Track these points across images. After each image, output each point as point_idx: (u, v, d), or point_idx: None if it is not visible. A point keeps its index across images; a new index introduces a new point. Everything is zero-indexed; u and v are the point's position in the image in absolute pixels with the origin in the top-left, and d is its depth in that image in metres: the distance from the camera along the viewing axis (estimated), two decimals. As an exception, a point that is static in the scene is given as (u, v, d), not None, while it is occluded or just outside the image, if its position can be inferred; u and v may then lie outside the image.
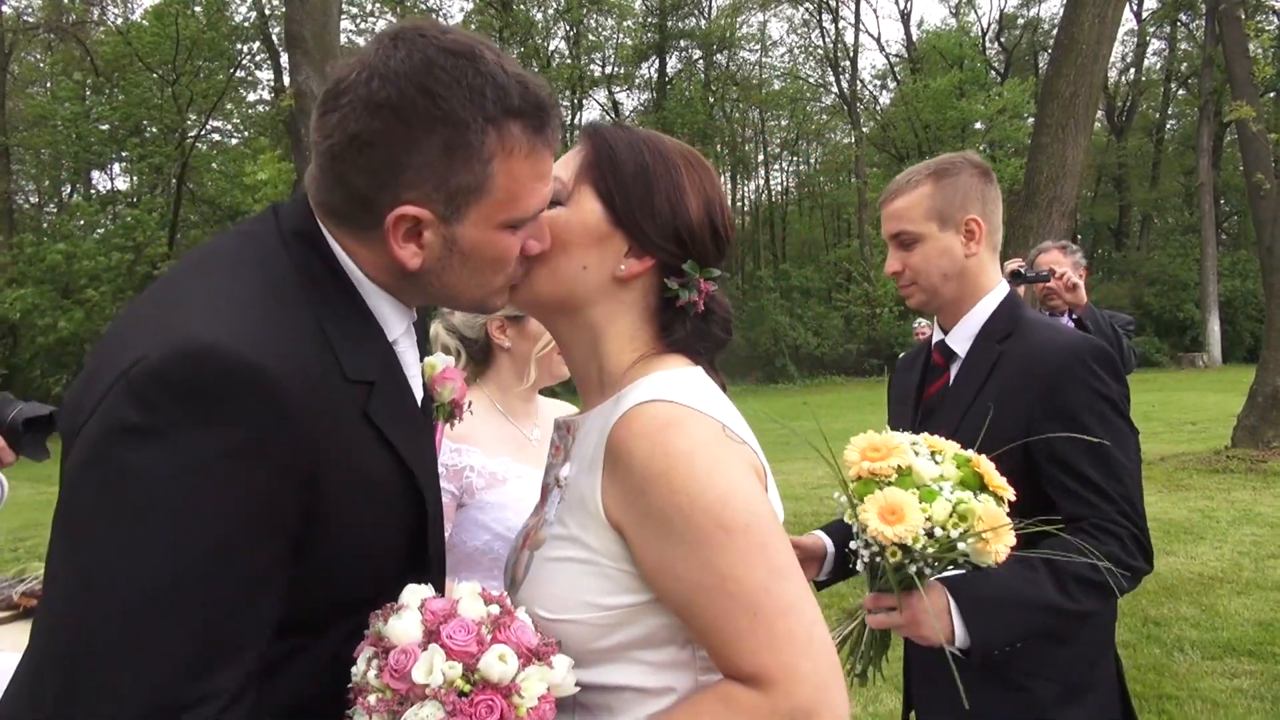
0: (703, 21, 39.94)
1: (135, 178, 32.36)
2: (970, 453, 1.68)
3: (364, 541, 1.12)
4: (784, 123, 43.47)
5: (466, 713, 1.02)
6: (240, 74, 32.78)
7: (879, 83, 44.91)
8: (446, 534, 1.86)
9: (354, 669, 1.09)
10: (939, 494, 1.57)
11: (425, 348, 1.45)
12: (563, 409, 2.29)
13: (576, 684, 1.13)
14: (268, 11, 29.99)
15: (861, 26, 43.24)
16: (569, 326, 1.29)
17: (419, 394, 1.30)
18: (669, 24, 39.74)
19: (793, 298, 35.84)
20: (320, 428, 1.03)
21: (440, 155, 1.08)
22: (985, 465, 1.64)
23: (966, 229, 2.02)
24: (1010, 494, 1.61)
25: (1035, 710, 1.89)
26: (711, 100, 39.62)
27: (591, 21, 38.51)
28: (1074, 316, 4.40)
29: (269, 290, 1.08)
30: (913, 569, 1.60)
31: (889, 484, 1.59)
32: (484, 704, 1.02)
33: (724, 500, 1.09)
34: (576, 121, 40.54)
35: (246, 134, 33.87)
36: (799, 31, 42.99)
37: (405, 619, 1.08)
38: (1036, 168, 7.10)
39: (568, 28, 37.77)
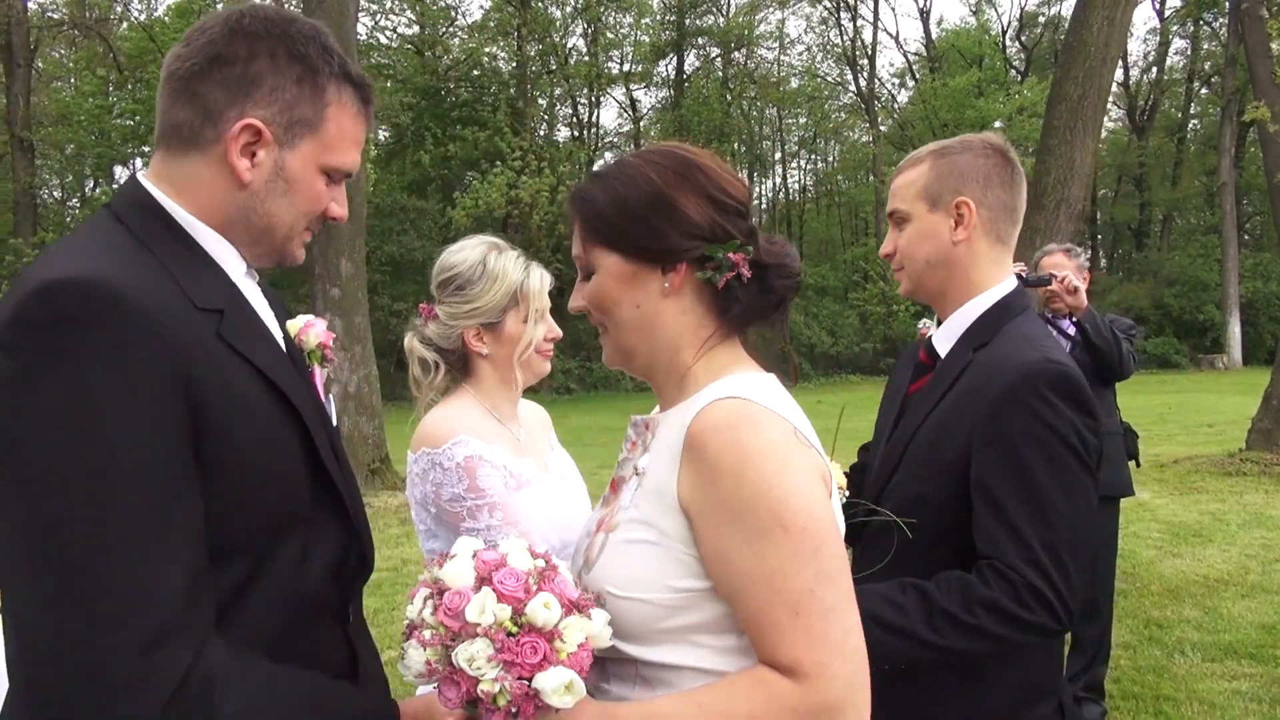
0: (721, 19, 39.88)
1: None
2: None
3: (257, 455, 1.20)
4: (802, 121, 43.38)
5: (513, 651, 1.13)
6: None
7: (897, 81, 44.80)
8: (499, 523, 1.96)
9: (409, 608, 1.22)
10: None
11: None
12: (535, 411, 2.35)
13: (612, 638, 1.23)
14: (289, 8, 30.18)
15: (880, 24, 43.13)
16: (653, 349, 1.37)
17: (279, 336, 1.39)
18: (687, 21, 39.69)
19: (808, 296, 35.77)
20: (183, 340, 1.12)
21: (293, 85, 1.26)
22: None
23: (957, 212, 1.84)
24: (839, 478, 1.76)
25: None
26: (729, 98, 39.57)
27: (610, 19, 38.53)
28: (1074, 320, 4.42)
29: (110, 248, 1.20)
30: None
31: None
32: (529, 645, 1.14)
33: (787, 499, 1.17)
34: (596, 119, 40.64)
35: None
36: (817, 29, 42.84)
37: (460, 565, 1.21)
38: (1044, 169, 7.09)
39: (586, 25, 37.80)
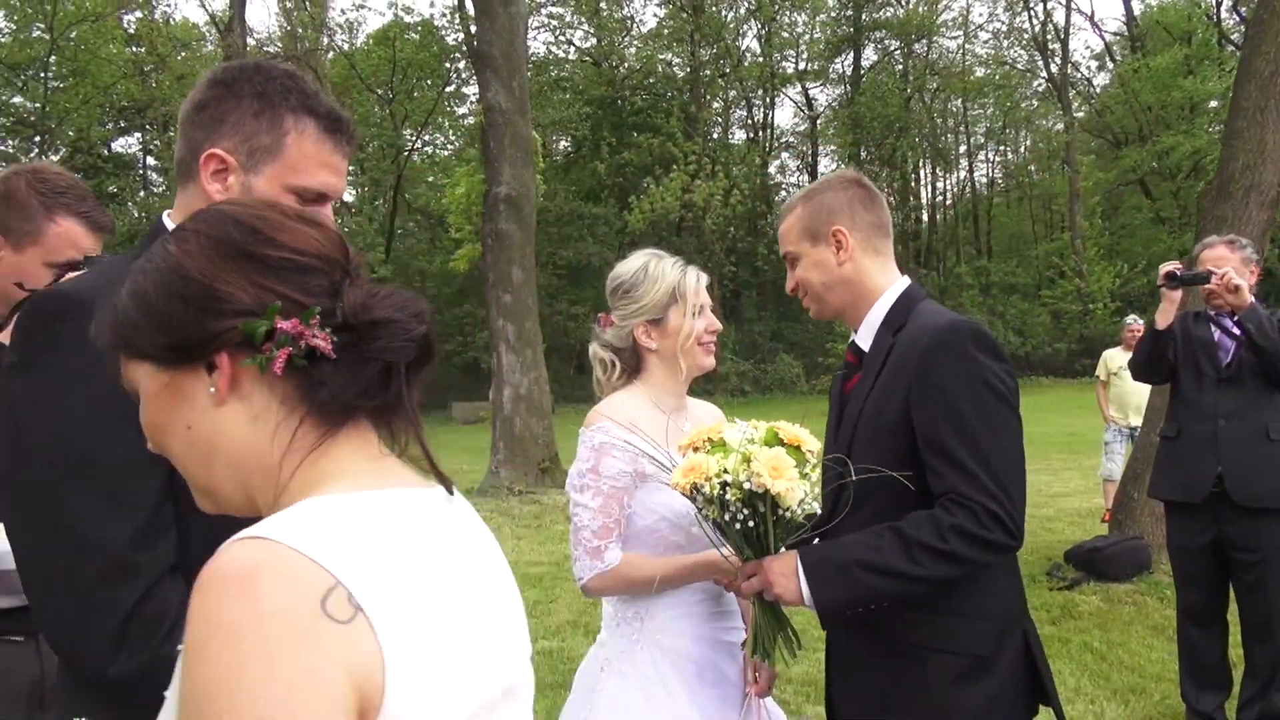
0: (900, 10, 38.72)
1: (357, 190, 35.27)
2: (786, 424, 1.96)
3: None
4: (989, 111, 41.41)
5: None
6: (449, 90, 35.00)
7: (1095, 64, 41.96)
8: (629, 512, 2.21)
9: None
10: (732, 450, 1.88)
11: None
12: (709, 409, 2.54)
13: None
14: (473, 30, 31.84)
15: (1074, 5, 40.50)
16: (238, 480, 0.99)
17: None
18: (864, 16, 38.80)
19: (993, 294, 34.11)
20: None
21: (250, 118, 1.47)
22: (786, 428, 1.93)
23: (835, 240, 2.13)
24: (810, 444, 1.92)
25: (933, 685, 1.92)
26: (909, 91, 38.34)
27: (784, 18, 38.23)
28: (1235, 318, 4.08)
29: (104, 269, 1.47)
30: (741, 523, 1.88)
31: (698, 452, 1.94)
32: None
33: (236, 711, 0.75)
34: (770, 120, 40.41)
35: (457, 146, 36.09)
36: (1003, 16, 40.71)
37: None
38: (1231, 154, 6.48)
39: (759, 26, 37.68)
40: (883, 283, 2.15)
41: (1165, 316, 4.32)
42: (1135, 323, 8.68)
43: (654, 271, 2.37)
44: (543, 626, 6.33)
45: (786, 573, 1.91)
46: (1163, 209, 35.46)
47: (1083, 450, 14.43)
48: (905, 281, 2.17)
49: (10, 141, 30.70)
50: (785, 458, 1.85)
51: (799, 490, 1.84)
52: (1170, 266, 4.26)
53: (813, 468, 1.91)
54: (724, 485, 1.85)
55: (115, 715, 1.34)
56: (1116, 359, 8.84)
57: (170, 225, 1.50)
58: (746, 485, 1.83)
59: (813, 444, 1.94)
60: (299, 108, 1.50)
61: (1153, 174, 35.41)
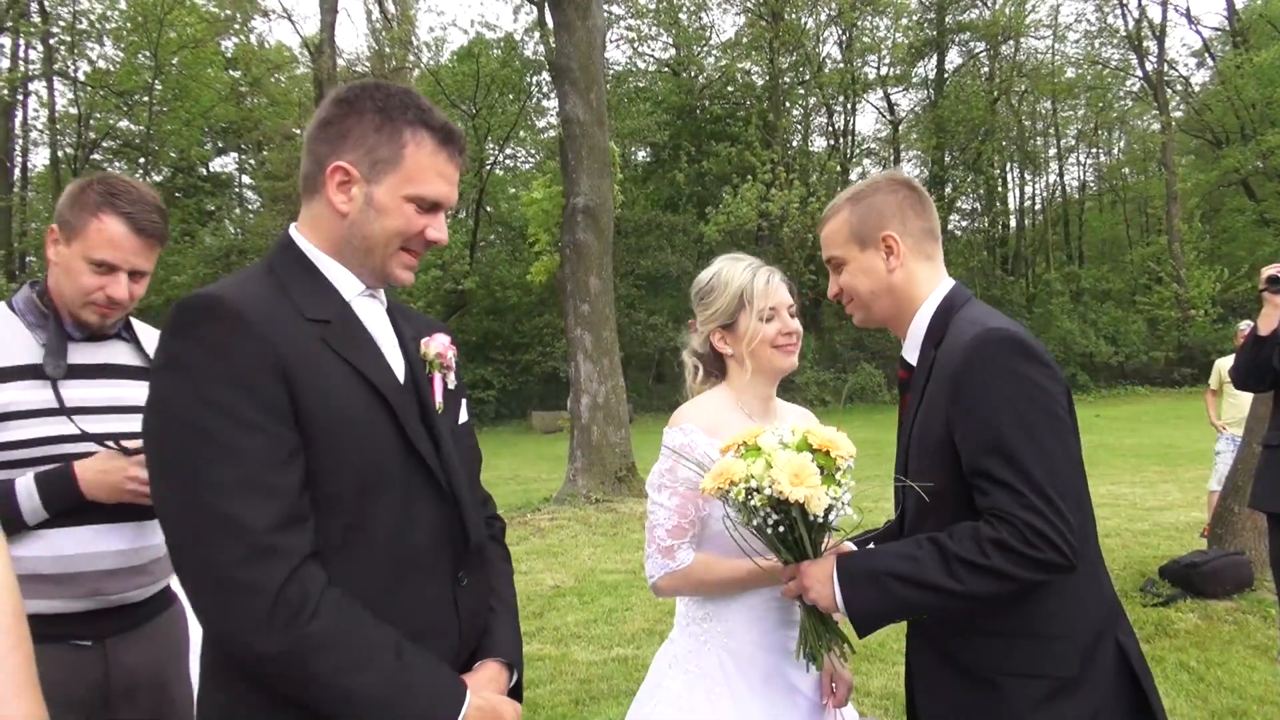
0: (986, 12, 37.87)
1: (443, 203, 35.99)
2: (819, 429, 1.91)
3: (346, 429, 1.49)
4: (1080, 113, 40.17)
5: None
6: (530, 103, 35.54)
7: (1194, 61, 40.33)
8: (704, 513, 2.22)
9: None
10: (761, 455, 1.85)
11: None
12: (802, 414, 2.54)
13: None
14: (552, 44, 32.34)
15: (1170, 2, 39.03)
16: None
17: (393, 352, 1.69)
18: (948, 18, 38.07)
19: (1084, 301, 33.00)
20: (281, 339, 1.45)
21: (372, 132, 1.56)
22: (819, 433, 1.88)
23: (886, 246, 2.05)
24: (844, 449, 1.85)
25: (1013, 712, 1.81)
26: (995, 94, 37.45)
27: (865, 23, 37.77)
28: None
29: (242, 277, 1.58)
30: (772, 527, 1.85)
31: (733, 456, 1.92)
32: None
33: None
34: (852, 126, 39.94)
35: (538, 158, 36.63)
36: (1093, 16, 39.46)
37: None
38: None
39: (840, 32, 37.30)
40: (923, 291, 2.07)
41: (1269, 322, 4.15)
42: (1245, 327, 8.31)
43: (724, 276, 2.38)
44: (618, 634, 6.34)
45: (822, 579, 1.87)
46: (1267, 210, 33.90)
47: (1180, 463, 13.87)
48: (946, 286, 2.08)
49: (117, 164, 32.30)
50: (809, 465, 1.81)
51: (823, 498, 1.80)
52: (1273, 270, 4.08)
53: (843, 474, 1.86)
54: (748, 491, 1.83)
55: (262, 693, 1.41)
56: (1229, 366, 8.45)
57: (297, 238, 1.62)
58: (768, 491, 1.81)
59: (847, 449, 1.88)
60: (416, 121, 1.58)
61: (1256, 174, 33.91)
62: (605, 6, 17.34)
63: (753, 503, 1.83)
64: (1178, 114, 36.54)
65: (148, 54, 29.84)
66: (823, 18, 36.75)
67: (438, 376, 1.73)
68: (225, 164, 37.18)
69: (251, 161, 35.58)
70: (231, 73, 33.54)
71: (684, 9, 36.80)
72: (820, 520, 1.84)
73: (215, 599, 1.37)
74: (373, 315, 1.67)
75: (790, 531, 1.87)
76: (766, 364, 2.37)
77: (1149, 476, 13.06)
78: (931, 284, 2.08)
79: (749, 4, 35.66)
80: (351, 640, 1.41)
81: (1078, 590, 1.84)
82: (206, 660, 1.53)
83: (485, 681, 1.63)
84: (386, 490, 1.52)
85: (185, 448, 1.38)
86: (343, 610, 1.42)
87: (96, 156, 31.17)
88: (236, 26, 32.67)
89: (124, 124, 31.81)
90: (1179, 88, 38.47)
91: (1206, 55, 38.31)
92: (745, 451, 1.91)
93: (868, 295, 2.09)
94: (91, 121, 30.90)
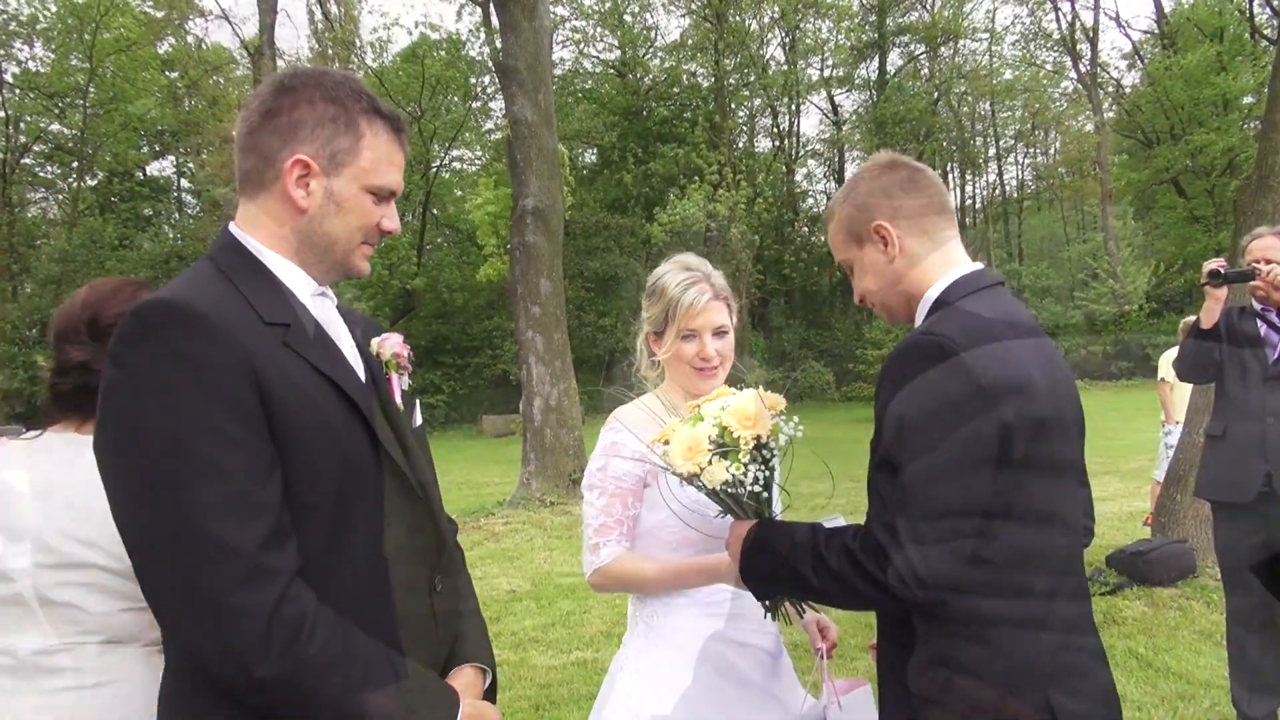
0: (926, 15, 38.51)
1: (388, 206, 35.59)
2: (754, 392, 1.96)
3: (318, 435, 1.42)
4: (1018, 113, 41.07)
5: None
6: (476, 105, 35.25)
7: (1125, 63, 41.48)
8: (634, 512, 2.23)
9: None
10: (701, 420, 1.89)
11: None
12: None
13: None
14: (498, 44, 32.17)
15: (1100, 6, 40.05)
16: None
17: (352, 353, 1.62)
18: (889, 20, 38.64)
19: (1025, 298, 33.69)
20: (246, 344, 1.36)
21: (328, 122, 1.50)
22: (745, 393, 1.95)
23: (879, 236, 1.91)
24: (774, 398, 1.91)
25: None
26: (936, 95, 38.10)
27: (808, 25, 38.16)
28: (1283, 314, 3.98)
29: (194, 279, 1.47)
30: (712, 488, 1.85)
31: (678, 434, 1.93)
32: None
33: None
34: (796, 128, 40.32)
35: (484, 160, 36.35)
36: (1028, 20, 40.32)
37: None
38: (1271, 147, 6.34)
39: (783, 34, 37.64)
40: (933, 275, 1.88)
41: (1210, 315, 4.23)
42: (1192, 321, 8.48)
43: (662, 284, 2.36)
44: (576, 637, 6.30)
45: (735, 539, 1.88)
46: (1197, 207, 34.95)
47: (1121, 454, 14.20)
48: (956, 273, 1.88)
49: (50, 167, 31.34)
50: (753, 403, 1.86)
51: (782, 427, 1.86)
52: (1214, 264, 4.16)
53: (784, 414, 1.91)
54: (719, 445, 1.83)
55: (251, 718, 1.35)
56: (1175, 359, 8.64)
57: (239, 236, 1.52)
58: (738, 433, 1.82)
59: (776, 397, 1.93)
60: (369, 110, 1.54)
61: (1186, 172, 34.95)
62: (550, 7, 17.27)
63: (740, 458, 1.83)
64: (1110, 115, 37.57)
65: (80, 56, 28.99)
66: (766, 19, 37.05)
67: (395, 377, 1.68)
68: (163, 168, 36.26)
69: (190, 166, 34.73)
70: (169, 74, 32.71)
71: (629, 10, 36.85)
72: (772, 456, 1.88)
73: (207, 625, 1.28)
74: (329, 316, 1.61)
75: (756, 486, 1.87)
76: (684, 380, 2.37)
77: (1091, 468, 13.15)
78: (939, 267, 1.89)
79: (693, 5, 35.80)
80: (354, 659, 1.36)
81: (1010, 630, 1.69)
82: (166, 691, 1.45)
83: (464, 688, 1.61)
84: (362, 497, 1.47)
85: (160, 467, 1.28)
86: (336, 628, 1.36)
87: (28, 160, 30.22)
88: (174, 25, 31.88)
89: (55, 127, 30.87)
90: (1111, 89, 39.56)
91: (1137, 58, 39.45)
92: (694, 420, 1.93)
93: (879, 292, 1.95)
94: (21, 125, 29.92)
